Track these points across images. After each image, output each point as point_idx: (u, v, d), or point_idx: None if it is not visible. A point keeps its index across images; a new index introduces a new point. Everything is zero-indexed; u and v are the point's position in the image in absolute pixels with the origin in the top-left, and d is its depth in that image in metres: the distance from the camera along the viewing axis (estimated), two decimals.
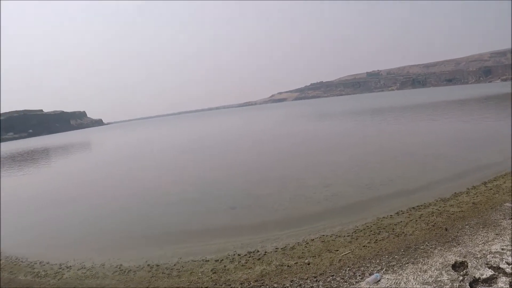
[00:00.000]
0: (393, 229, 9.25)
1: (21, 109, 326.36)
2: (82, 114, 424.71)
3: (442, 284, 5.98)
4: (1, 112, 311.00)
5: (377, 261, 7.44)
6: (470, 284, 5.87)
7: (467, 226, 8.63)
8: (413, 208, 10.92)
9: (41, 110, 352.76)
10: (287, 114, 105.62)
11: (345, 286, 6.64)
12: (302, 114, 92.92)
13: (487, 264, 6.42)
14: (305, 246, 8.99)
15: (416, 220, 9.68)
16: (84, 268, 9.69)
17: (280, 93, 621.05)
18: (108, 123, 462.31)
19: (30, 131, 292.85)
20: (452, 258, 6.86)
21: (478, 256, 6.82)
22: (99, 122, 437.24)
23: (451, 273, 6.29)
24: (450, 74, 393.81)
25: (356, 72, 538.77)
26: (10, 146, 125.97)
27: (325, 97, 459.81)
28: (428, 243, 7.91)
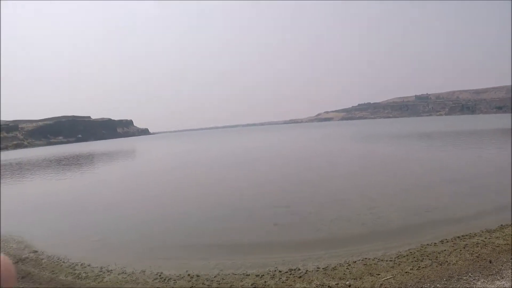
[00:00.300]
0: (436, 257, 9.99)
1: (70, 115, 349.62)
2: (129, 123, 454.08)
3: None
4: (50, 116, 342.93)
5: None
6: None
7: None
8: (458, 237, 11.62)
9: (89, 117, 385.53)
10: (335, 133, 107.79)
11: None
12: (350, 135, 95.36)
13: None
14: (347, 268, 9.82)
15: (460, 250, 10.40)
16: (125, 273, 10.81)
17: (327, 112, 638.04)
18: (154, 133, 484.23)
19: (79, 136, 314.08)
20: None
21: None
22: (145, 131, 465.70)
23: None
24: (501, 101, 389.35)
25: (404, 95, 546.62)
26: (58, 150, 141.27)
27: (372, 118, 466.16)
28: (472, 274, 8.64)
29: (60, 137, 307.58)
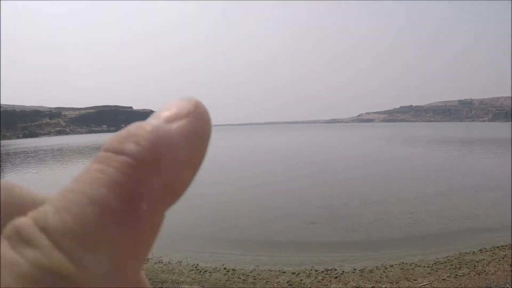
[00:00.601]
0: (474, 266, 10.76)
1: (112, 105, 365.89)
2: None
3: None
4: (93, 105, 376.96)
5: None
6: None
7: None
8: (497, 247, 12.39)
9: (131, 107, 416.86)
10: (378, 136, 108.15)
11: None
12: (393, 137, 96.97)
13: None
14: (384, 271, 10.72)
15: (499, 260, 11.14)
16: (161, 262, 11.93)
17: (368, 113, 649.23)
18: None
19: (123, 125, 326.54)
20: None
21: None
22: None
23: None
24: None
25: (447, 99, 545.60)
26: (100, 138, 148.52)
27: (414, 121, 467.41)
28: (510, 285, 9.38)
29: (104, 126, 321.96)
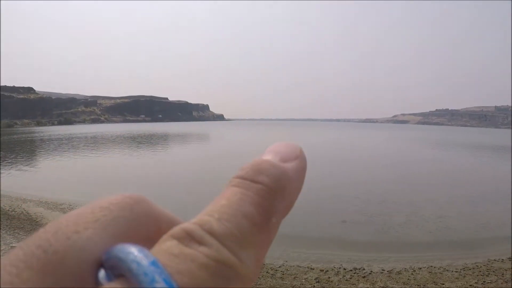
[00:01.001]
0: (503, 274, 10.89)
1: (148, 95, 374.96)
2: (205, 107, 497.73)
3: None
4: (129, 95, 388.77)
5: None
6: None
7: None
8: None
9: (166, 98, 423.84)
10: (415, 137, 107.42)
11: None
12: (430, 140, 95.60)
13: None
14: (412, 274, 10.92)
15: None
16: None
17: (403, 114, 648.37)
18: (229, 119, 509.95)
19: (159, 116, 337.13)
20: None
21: None
22: (220, 117, 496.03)
23: None
24: None
25: (484, 104, 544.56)
26: (134, 127, 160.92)
27: (449, 125, 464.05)
28: None
29: (142, 116, 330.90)
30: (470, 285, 10.18)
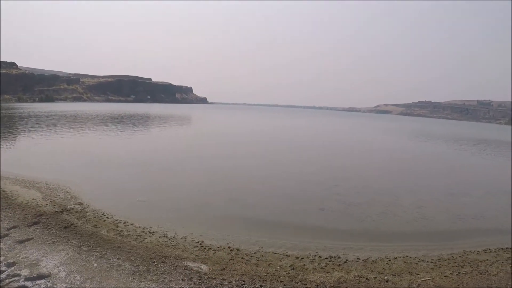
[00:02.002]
0: (477, 266, 10.95)
1: (132, 75, 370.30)
2: (189, 90, 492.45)
3: None
4: (113, 74, 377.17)
5: None
6: None
7: None
8: (502, 249, 12.61)
9: (150, 79, 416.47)
10: (397, 128, 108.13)
11: None
12: (412, 131, 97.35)
13: None
14: (387, 263, 10.90)
15: (502, 262, 11.36)
16: (166, 237, 12.17)
17: (386, 105, 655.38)
18: (212, 103, 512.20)
19: (139, 97, 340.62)
20: None
21: None
22: (203, 100, 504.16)
23: None
24: None
25: (466, 98, 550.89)
26: (116, 107, 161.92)
27: (431, 117, 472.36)
28: (510, 287, 9.62)
29: (132, 96, 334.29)
30: (445, 276, 10.18)
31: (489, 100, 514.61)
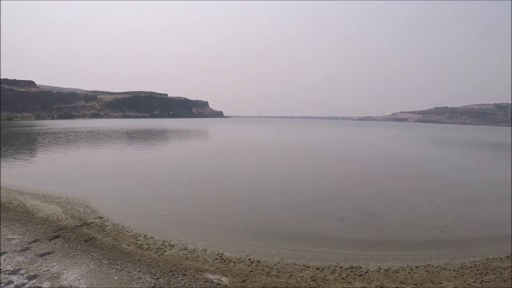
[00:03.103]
0: (501, 273, 10.75)
1: (148, 91, 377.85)
2: (205, 104, 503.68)
3: None
4: (129, 90, 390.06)
5: None
6: None
7: None
8: None
9: (166, 94, 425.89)
10: (412, 135, 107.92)
11: None
12: (428, 138, 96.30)
13: None
14: (409, 272, 10.77)
15: None
16: (186, 249, 12.21)
17: (403, 112, 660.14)
18: (228, 116, 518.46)
19: (157, 112, 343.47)
20: None
21: None
22: (219, 114, 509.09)
23: None
24: None
25: (483, 102, 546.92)
26: (133, 123, 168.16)
27: (448, 123, 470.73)
28: None
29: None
30: (468, 284, 10.03)
31: (507, 103, 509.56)
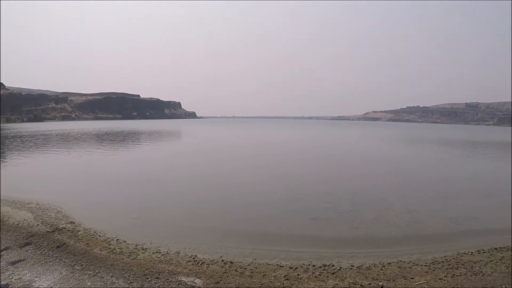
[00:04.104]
0: (471, 267, 10.86)
1: (120, 92, 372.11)
2: (177, 105, 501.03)
3: None
4: (101, 91, 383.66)
5: None
6: None
7: None
8: (495, 249, 12.56)
9: (138, 95, 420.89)
10: (388, 135, 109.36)
11: None
12: (399, 137, 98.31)
13: None
14: (381, 269, 10.78)
15: (496, 262, 11.29)
16: (159, 252, 12.03)
17: (375, 112, 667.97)
18: (201, 117, 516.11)
19: (135, 113, 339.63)
20: None
21: None
22: (192, 115, 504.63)
23: None
24: None
25: (454, 101, 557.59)
26: (105, 125, 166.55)
27: (420, 122, 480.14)
28: (506, 286, 9.46)
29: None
30: (440, 279, 10.08)
31: (477, 102, 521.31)
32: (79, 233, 13.92)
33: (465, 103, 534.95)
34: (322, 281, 10.04)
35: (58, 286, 9.18)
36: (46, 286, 9.17)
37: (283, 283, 9.86)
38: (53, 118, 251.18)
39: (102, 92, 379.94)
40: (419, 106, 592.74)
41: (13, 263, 10.66)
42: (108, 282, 9.48)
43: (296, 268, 10.91)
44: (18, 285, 9.17)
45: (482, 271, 10.58)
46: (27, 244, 12.44)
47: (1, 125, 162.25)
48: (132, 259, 11.40)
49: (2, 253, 11.49)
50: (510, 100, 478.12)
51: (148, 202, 19.31)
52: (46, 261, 10.93)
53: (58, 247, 12.27)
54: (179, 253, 12.07)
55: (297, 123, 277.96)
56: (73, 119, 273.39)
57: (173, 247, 12.63)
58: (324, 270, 10.79)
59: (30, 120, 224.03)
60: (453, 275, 10.33)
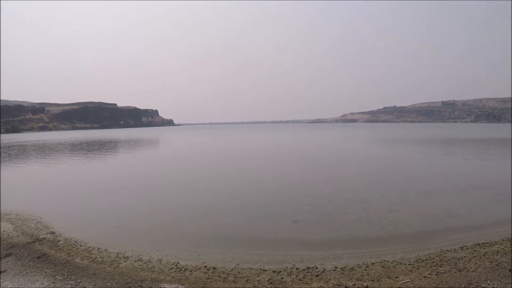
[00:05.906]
0: (455, 263, 10.68)
1: (97, 101, 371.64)
2: (154, 113, 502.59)
3: None
4: (78, 101, 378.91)
5: None
6: None
7: None
8: (478, 244, 12.40)
9: (115, 104, 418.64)
10: (365, 136, 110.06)
11: None
12: (376, 137, 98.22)
13: None
14: (365, 269, 10.54)
15: (480, 257, 11.12)
16: (141, 260, 11.68)
17: (352, 113, 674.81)
18: (178, 124, 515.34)
19: (105, 123, 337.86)
20: None
21: None
22: (169, 122, 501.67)
23: None
24: None
25: (431, 100, 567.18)
26: (82, 134, 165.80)
27: (397, 122, 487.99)
28: (490, 282, 9.29)
29: (97, 124, 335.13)
30: (424, 277, 9.88)
31: (453, 100, 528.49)
32: (60, 243, 13.55)
33: (442, 101, 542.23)
34: (306, 283, 9.80)
35: None
36: None
37: (267, 287, 9.61)
38: (31, 129, 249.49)
39: (79, 102, 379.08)
40: (395, 106, 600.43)
41: None
42: None
43: (280, 271, 10.64)
44: None
45: (466, 267, 10.41)
46: (7, 255, 12.14)
47: None
48: (114, 268, 11.07)
49: None
50: (486, 97, 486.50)
51: (127, 210, 18.91)
52: (27, 272, 10.65)
53: (39, 257, 11.97)
54: (161, 260, 11.74)
55: (275, 127, 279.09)
56: (50, 129, 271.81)
57: (155, 254, 12.27)
58: (307, 272, 10.53)
59: (8, 131, 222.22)
60: (437, 272, 10.15)
